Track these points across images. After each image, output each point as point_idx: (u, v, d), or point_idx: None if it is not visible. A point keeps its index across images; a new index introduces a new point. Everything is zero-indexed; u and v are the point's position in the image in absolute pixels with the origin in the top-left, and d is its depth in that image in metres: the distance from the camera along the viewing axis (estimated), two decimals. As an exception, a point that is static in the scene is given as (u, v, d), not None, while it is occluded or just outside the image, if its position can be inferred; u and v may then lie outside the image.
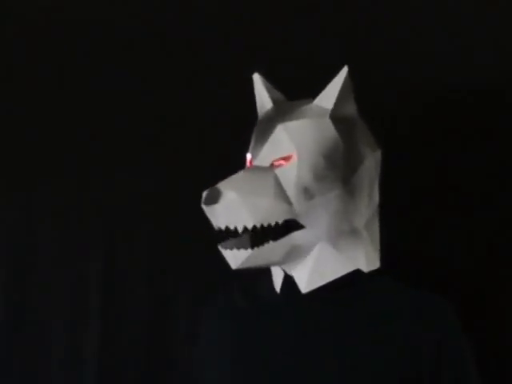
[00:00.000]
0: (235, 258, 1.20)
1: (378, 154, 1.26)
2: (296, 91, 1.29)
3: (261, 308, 1.29)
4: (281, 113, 1.24)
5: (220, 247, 1.22)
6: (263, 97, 1.31)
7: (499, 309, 1.52)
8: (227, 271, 1.39)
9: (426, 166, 1.56)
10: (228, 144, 1.54)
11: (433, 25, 1.57)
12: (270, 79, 1.32)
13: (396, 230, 1.39)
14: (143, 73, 1.67)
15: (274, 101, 1.30)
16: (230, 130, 1.59)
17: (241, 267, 1.20)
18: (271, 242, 1.19)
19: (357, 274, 1.22)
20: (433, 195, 1.55)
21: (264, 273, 1.30)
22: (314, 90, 1.27)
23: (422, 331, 1.16)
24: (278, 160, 1.20)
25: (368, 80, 1.56)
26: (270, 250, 1.19)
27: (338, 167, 1.19)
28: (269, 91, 1.30)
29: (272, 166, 1.21)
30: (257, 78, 1.32)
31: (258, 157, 1.24)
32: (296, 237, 1.20)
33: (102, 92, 1.68)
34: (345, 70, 1.22)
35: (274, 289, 1.28)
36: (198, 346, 1.37)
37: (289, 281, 1.25)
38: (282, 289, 1.27)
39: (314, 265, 1.22)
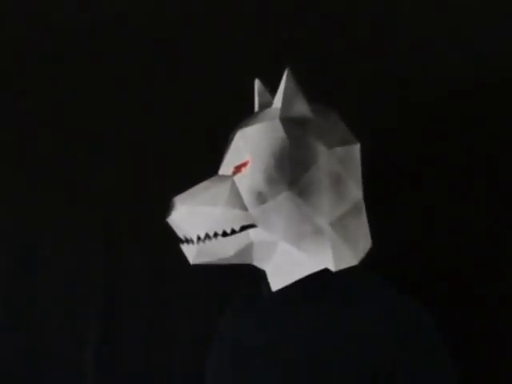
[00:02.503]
0: (189, 252, 1.25)
1: (345, 149, 1.23)
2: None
3: (247, 306, 1.33)
4: (248, 119, 1.28)
5: (181, 245, 1.28)
6: (255, 102, 1.35)
7: (498, 309, 1.52)
8: (227, 272, 1.40)
9: (426, 166, 1.56)
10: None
11: (433, 25, 1.58)
12: (270, 80, 1.32)
13: (396, 227, 1.40)
14: (143, 72, 1.67)
15: (260, 106, 1.33)
16: (230, 130, 1.59)
17: (196, 262, 1.25)
18: (219, 237, 1.22)
19: (334, 271, 1.21)
20: (432, 195, 1.56)
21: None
22: (313, 90, 1.28)
23: (388, 332, 1.13)
24: (237, 167, 1.23)
25: (368, 80, 1.57)
26: (220, 245, 1.22)
27: (286, 168, 1.20)
28: (260, 96, 1.34)
29: (233, 173, 1.24)
30: (256, 83, 1.35)
31: (222, 165, 1.28)
32: (251, 234, 1.22)
33: (102, 91, 1.68)
34: (286, 72, 1.24)
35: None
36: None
37: (266, 279, 1.28)
38: (263, 286, 1.29)
39: (280, 263, 1.23)
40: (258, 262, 1.26)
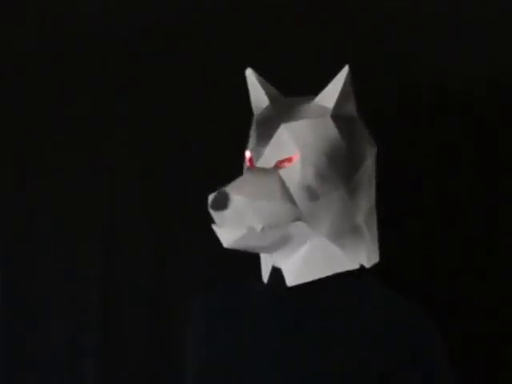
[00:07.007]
0: (228, 235, 1.18)
1: (375, 150, 1.26)
2: (296, 92, 1.29)
3: (245, 303, 1.28)
4: (282, 111, 1.23)
5: (213, 226, 1.20)
6: (258, 92, 1.28)
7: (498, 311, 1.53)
8: (227, 271, 1.40)
9: (426, 167, 1.56)
10: (229, 144, 1.54)
11: (433, 26, 1.58)
12: (272, 79, 1.31)
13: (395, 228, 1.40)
14: (144, 72, 1.67)
15: (270, 97, 1.27)
16: (230, 129, 1.59)
17: (232, 247, 1.19)
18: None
19: (344, 272, 1.21)
20: (432, 196, 1.56)
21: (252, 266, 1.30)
22: (314, 90, 1.28)
23: (394, 336, 1.13)
24: (281, 161, 1.20)
25: (368, 81, 1.57)
26: (263, 234, 1.18)
27: (340, 166, 1.20)
28: (263, 86, 1.28)
29: (276, 167, 1.20)
30: (249, 73, 1.29)
31: (260, 158, 1.22)
32: (291, 228, 1.19)
33: (102, 91, 1.68)
34: (346, 69, 1.21)
35: (261, 282, 1.27)
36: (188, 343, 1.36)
37: (275, 273, 1.24)
38: (268, 281, 1.26)
39: (306, 259, 1.21)
40: (279, 254, 1.22)
